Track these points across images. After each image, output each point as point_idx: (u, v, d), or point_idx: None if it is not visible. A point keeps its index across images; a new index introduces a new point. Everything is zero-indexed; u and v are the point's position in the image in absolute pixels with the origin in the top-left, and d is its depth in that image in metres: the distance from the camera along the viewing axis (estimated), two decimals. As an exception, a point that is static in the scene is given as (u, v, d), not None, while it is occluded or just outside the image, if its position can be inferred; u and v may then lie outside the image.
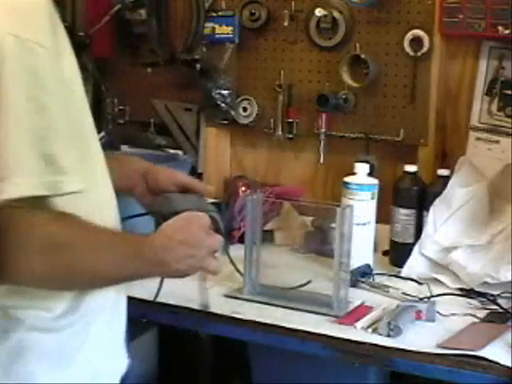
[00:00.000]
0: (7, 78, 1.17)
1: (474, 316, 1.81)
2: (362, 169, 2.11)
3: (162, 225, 1.42)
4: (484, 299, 1.91)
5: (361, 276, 2.01)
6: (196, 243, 1.42)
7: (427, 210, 2.11)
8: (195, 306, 1.85)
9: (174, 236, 1.40)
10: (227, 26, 2.62)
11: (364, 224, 2.07)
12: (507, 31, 2.24)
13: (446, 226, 2.10)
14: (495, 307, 1.87)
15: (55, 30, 1.25)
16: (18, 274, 1.22)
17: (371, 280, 2.02)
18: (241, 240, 2.06)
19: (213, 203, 2.53)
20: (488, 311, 1.85)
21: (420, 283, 2.01)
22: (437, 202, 2.10)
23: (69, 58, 1.31)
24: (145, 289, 1.90)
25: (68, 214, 1.25)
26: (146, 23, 2.67)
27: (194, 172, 2.68)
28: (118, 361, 1.51)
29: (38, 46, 1.19)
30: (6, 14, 1.19)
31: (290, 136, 2.61)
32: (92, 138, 1.37)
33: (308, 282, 1.98)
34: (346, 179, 2.10)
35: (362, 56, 2.45)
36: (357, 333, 1.72)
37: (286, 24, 2.56)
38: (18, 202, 1.18)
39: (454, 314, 1.82)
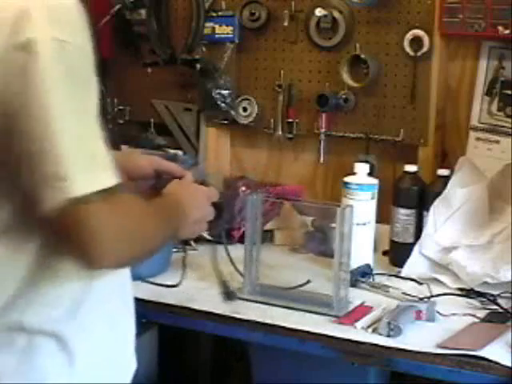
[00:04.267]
0: (51, 79, 1.20)
1: (474, 316, 1.81)
2: (362, 169, 2.11)
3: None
4: (484, 299, 1.91)
5: (361, 276, 2.01)
6: (207, 213, 1.63)
7: (427, 210, 2.11)
8: (195, 305, 1.85)
9: (193, 207, 1.57)
10: (227, 26, 2.62)
11: (364, 224, 2.07)
12: (507, 31, 2.24)
13: (446, 226, 2.10)
14: (495, 307, 1.87)
15: (86, 28, 1.27)
16: (102, 260, 1.26)
17: (371, 280, 2.02)
18: (241, 240, 2.06)
19: (213, 203, 2.54)
20: (488, 311, 1.85)
21: (420, 283, 2.01)
22: (437, 202, 2.10)
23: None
24: (145, 289, 1.90)
25: (120, 197, 1.28)
26: (146, 23, 2.67)
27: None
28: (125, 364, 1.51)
29: (77, 47, 1.22)
30: (45, 17, 1.20)
31: (290, 136, 2.61)
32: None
33: (307, 282, 1.98)
34: (346, 179, 2.10)
35: (362, 56, 2.45)
36: (357, 333, 1.72)
37: (286, 24, 2.56)
38: (80, 198, 1.21)
39: (454, 314, 1.82)
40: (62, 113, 1.21)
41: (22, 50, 1.18)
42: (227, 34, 2.62)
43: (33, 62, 1.18)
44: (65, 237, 1.25)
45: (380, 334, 1.70)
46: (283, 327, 1.76)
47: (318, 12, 2.48)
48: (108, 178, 1.25)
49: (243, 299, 1.90)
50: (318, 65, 2.55)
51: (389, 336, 1.69)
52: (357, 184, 2.08)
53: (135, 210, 1.33)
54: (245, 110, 2.65)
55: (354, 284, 1.96)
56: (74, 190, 1.20)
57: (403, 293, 1.94)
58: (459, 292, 1.97)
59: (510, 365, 1.56)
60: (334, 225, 1.89)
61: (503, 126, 2.35)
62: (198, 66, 2.60)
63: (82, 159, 1.22)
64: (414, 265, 2.07)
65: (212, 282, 1.98)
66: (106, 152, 1.26)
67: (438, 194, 2.11)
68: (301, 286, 1.97)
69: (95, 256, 1.24)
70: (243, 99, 2.65)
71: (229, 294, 1.81)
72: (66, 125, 1.21)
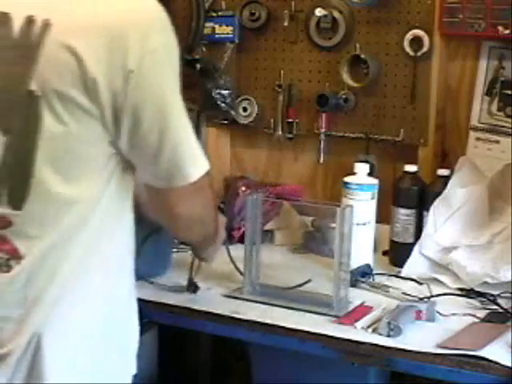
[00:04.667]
0: (169, 80, 1.40)
1: (474, 316, 1.81)
2: (362, 169, 2.11)
3: None
4: (484, 299, 1.91)
5: (361, 276, 2.01)
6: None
7: (427, 210, 2.11)
8: (195, 306, 1.85)
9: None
10: (227, 26, 2.62)
11: (364, 224, 2.07)
12: (507, 31, 2.24)
13: (446, 226, 2.10)
14: (495, 307, 1.87)
15: None
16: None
17: (371, 280, 2.02)
18: (241, 240, 2.06)
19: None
20: (488, 311, 1.85)
21: (420, 283, 2.01)
22: (437, 202, 2.10)
23: None
24: (145, 289, 1.90)
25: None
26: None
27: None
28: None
29: (177, 48, 1.41)
30: (158, 27, 1.38)
31: (290, 136, 2.61)
32: None
33: (307, 281, 1.98)
34: (346, 179, 2.10)
35: (362, 56, 2.45)
36: (357, 333, 1.72)
37: (286, 24, 2.56)
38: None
39: (454, 314, 1.82)
40: (179, 108, 1.42)
41: (150, 55, 1.35)
42: (227, 34, 2.62)
43: (153, 67, 1.35)
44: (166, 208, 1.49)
45: (380, 334, 1.70)
46: (283, 327, 1.76)
47: (318, 12, 2.48)
48: (206, 162, 1.48)
49: (243, 299, 1.90)
50: (317, 65, 2.55)
51: (389, 336, 1.69)
52: (357, 184, 2.08)
53: (206, 179, 1.51)
54: (245, 110, 2.65)
55: (354, 284, 1.96)
56: (194, 174, 1.44)
57: (403, 293, 1.94)
58: (459, 292, 1.97)
59: (509, 365, 1.56)
60: (333, 225, 1.89)
61: (503, 126, 2.35)
62: (198, 65, 2.60)
63: (195, 148, 1.46)
64: (414, 265, 2.07)
65: (212, 283, 1.98)
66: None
67: (438, 194, 2.11)
68: (301, 285, 1.97)
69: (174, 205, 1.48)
70: (243, 99, 2.65)
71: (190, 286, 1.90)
72: (182, 119, 1.43)
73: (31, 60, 1.33)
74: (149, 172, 1.45)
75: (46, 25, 1.33)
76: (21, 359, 1.39)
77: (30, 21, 1.35)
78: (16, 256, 1.39)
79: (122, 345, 1.52)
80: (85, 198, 1.39)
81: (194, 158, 1.45)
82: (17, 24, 1.36)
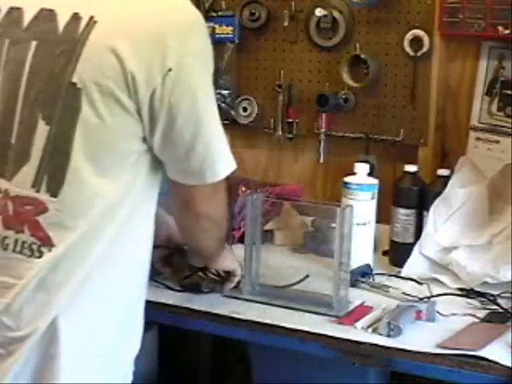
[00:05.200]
0: (202, 83, 1.47)
1: (474, 316, 1.81)
2: (362, 169, 2.11)
3: None
4: (484, 299, 1.91)
5: (361, 276, 2.01)
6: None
7: (427, 210, 2.11)
8: (195, 306, 1.85)
9: None
10: (227, 26, 2.62)
11: (364, 224, 2.07)
12: (507, 31, 2.24)
13: (446, 226, 2.10)
14: (495, 307, 1.87)
15: None
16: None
17: (371, 280, 2.02)
18: (241, 240, 2.06)
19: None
20: (488, 311, 1.85)
21: (420, 283, 2.01)
22: (437, 202, 2.10)
23: None
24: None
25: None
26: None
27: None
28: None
29: (211, 50, 1.50)
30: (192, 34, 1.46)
31: (290, 136, 2.61)
32: None
33: (306, 277, 1.97)
34: (346, 179, 2.10)
35: (362, 56, 2.45)
36: (357, 333, 1.72)
37: (285, 24, 2.56)
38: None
39: (454, 314, 1.82)
40: (211, 108, 1.49)
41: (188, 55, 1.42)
42: (227, 34, 2.62)
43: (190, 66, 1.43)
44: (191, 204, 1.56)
45: (380, 334, 1.70)
46: (283, 327, 1.75)
47: (318, 12, 2.48)
48: (234, 162, 1.55)
49: (243, 299, 1.90)
50: (317, 65, 2.55)
51: (389, 336, 1.69)
52: (357, 184, 2.08)
53: (223, 183, 1.59)
54: (245, 110, 2.65)
55: (354, 284, 1.96)
56: (223, 172, 1.52)
57: (403, 293, 1.94)
58: (459, 292, 1.97)
59: (509, 365, 1.56)
60: (333, 225, 1.88)
61: (503, 126, 2.35)
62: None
63: (226, 146, 1.53)
64: (414, 265, 2.07)
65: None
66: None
67: (438, 194, 2.11)
68: (299, 281, 1.96)
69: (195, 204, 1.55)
70: (243, 99, 2.65)
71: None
72: (215, 119, 1.50)
73: (75, 54, 1.40)
74: (179, 169, 1.51)
75: (91, 22, 1.41)
76: (38, 342, 1.42)
77: (75, 17, 1.42)
78: (48, 243, 1.43)
79: (127, 341, 1.55)
80: (114, 190, 1.44)
81: (224, 156, 1.53)
82: (62, 20, 1.44)
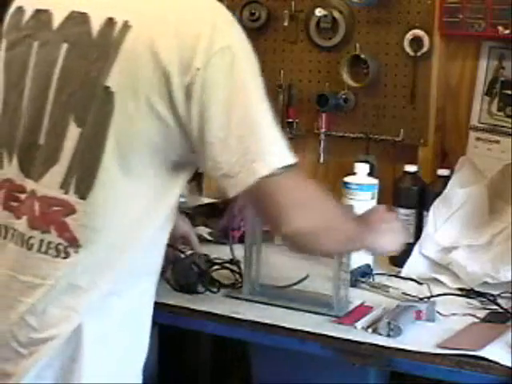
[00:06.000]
0: (248, 75, 1.44)
1: (474, 316, 1.81)
2: (362, 169, 2.11)
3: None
4: (484, 299, 1.91)
5: (361, 276, 2.01)
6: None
7: (427, 210, 2.11)
8: (195, 306, 1.85)
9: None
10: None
11: (364, 224, 2.07)
12: (507, 31, 2.24)
13: (446, 225, 2.10)
14: (495, 307, 1.87)
15: None
16: (297, 230, 1.47)
17: (371, 280, 2.02)
18: (241, 240, 2.06)
19: (213, 203, 2.55)
20: (488, 311, 1.85)
21: (420, 283, 2.01)
22: (437, 202, 2.10)
23: None
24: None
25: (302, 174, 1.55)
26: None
27: (195, 172, 2.67)
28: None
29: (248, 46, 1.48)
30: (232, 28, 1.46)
31: (290, 136, 2.60)
32: None
33: (306, 277, 1.98)
34: (346, 179, 2.10)
35: (362, 56, 2.45)
36: (357, 333, 1.72)
37: (285, 24, 2.56)
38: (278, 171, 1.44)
39: (454, 314, 1.82)
40: (258, 102, 1.45)
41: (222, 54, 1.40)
42: (227, 34, 2.61)
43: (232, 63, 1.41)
44: (259, 205, 1.50)
45: (380, 334, 1.70)
46: (283, 327, 1.76)
47: (318, 12, 2.48)
48: (291, 156, 1.47)
49: (243, 299, 1.90)
50: (317, 65, 2.55)
51: (389, 336, 1.69)
52: (357, 184, 2.08)
53: (315, 188, 1.55)
54: (245, 110, 2.64)
55: (354, 284, 1.96)
56: (271, 165, 1.41)
57: (403, 293, 1.94)
58: (459, 292, 1.97)
59: (509, 365, 1.56)
60: (334, 225, 1.88)
61: (503, 126, 2.35)
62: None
63: (275, 139, 1.45)
64: (414, 265, 2.07)
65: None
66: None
67: (438, 194, 2.11)
68: (299, 281, 1.96)
69: (281, 222, 1.46)
70: (243, 99, 2.64)
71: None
72: (262, 112, 1.45)
73: (110, 58, 1.41)
74: (222, 171, 1.44)
75: (126, 26, 1.41)
76: (62, 347, 1.43)
77: (110, 22, 1.43)
78: (75, 244, 1.43)
79: (138, 353, 1.56)
80: (143, 195, 1.44)
81: (273, 149, 1.45)
82: (96, 24, 1.44)
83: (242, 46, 1.46)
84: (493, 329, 1.73)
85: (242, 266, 1.97)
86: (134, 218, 1.44)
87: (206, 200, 2.61)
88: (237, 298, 1.91)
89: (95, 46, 1.44)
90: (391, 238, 1.74)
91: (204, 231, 2.32)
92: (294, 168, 1.46)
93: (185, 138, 1.43)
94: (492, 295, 1.91)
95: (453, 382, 1.61)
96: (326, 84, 2.53)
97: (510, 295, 1.90)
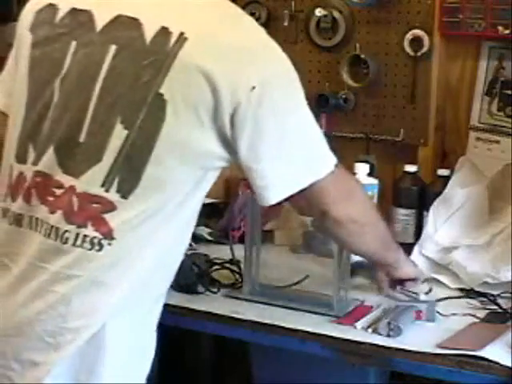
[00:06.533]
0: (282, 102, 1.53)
1: (474, 316, 1.82)
2: (362, 169, 2.11)
3: None
4: (484, 299, 1.91)
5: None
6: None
7: (427, 210, 2.11)
8: (195, 306, 1.85)
9: None
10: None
11: (364, 224, 2.07)
12: (507, 31, 2.24)
13: (446, 225, 2.10)
14: (495, 307, 1.87)
15: None
16: (348, 216, 1.61)
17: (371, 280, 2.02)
18: (241, 240, 2.06)
19: (213, 203, 2.54)
20: (488, 311, 1.85)
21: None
22: (437, 202, 2.10)
23: None
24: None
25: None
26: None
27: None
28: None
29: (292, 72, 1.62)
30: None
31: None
32: None
33: (306, 277, 1.98)
34: (346, 179, 2.10)
35: (362, 56, 2.45)
36: (357, 333, 1.72)
37: (285, 24, 2.55)
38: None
39: (454, 314, 1.82)
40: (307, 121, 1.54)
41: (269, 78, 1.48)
42: (227, 34, 2.61)
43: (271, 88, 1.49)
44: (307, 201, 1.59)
45: (380, 334, 1.70)
46: (283, 327, 1.76)
47: (318, 12, 2.48)
48: (332, 157, 1.56)
49: (243, 299, 1.90)
50: (317, 65, 2.55)
51: (389, 336, 1.69)
52: (357, 184, 2.08)
53: (357, 183, 1.73)
54: (245, 110, 2.64)
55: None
56: (316, 174, 1.53)
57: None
58: (459, 292, 1.97)
59: (509, 365, 1.56)
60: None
61: (503, 126, 2.35)
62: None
63: (320, 147, 1.55)
64: (414, 265, 2.07)
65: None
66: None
67: (438, 194, 2.11)
68: (299, 281, 1.96)
69: (331, 208, 1.58)
70: (243, 99, 2.64)
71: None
72: (309, 127, 1.54)
73: (164, 67, 1.44)
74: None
75: (182, 38, 1.44)
76: (86, 342, 1.45)
77: (165, 31, 1.45)
78: (109, 237, 1.46)
79: (144, 360, 1.61)
80: (176, 200, 1.48)
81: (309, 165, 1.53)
82: (149, 31, 1.46)
83: (292, 67, 1.59)
84: (493, 329, 1.73)
85: (242, 266, 1.97)
86: (165, 220, 1.48)
87: (206, 200, 2.61)
88: (237, 298, 1.91)
89: (149, 53, 1.46)
90: (414, 271, 1.88)
91: (204, 231, 2.32)
92: (336, 165, 1.57)
93: (229, 152, 1.49)
94: (492, 295, 1.92)
95: (453, 382, 1.61)
96: (325, 84, 2.53)
97: (510, 295, 1.90)
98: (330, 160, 1.56)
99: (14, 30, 1.67)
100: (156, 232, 1.48)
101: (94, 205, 1.46)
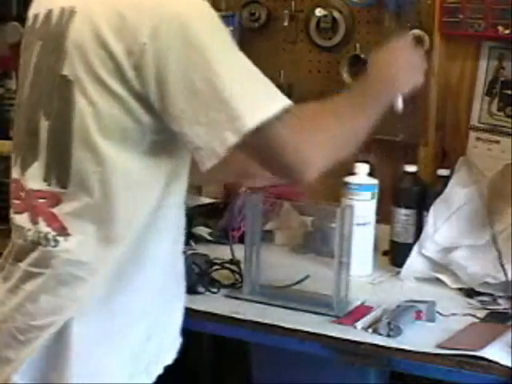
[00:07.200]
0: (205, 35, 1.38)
1: (474, 316, 1.82)
2: (362, 169, 2.11)
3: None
4: (484, 299, 1.91)
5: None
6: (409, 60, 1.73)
7: (427, 210, 2.11)
8: (195, 306, 1.85)
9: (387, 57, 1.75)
10: (227, 26, 2.60)
11: (364, 224, 2.07)
12: (507, 31, 2.24)
13: (446, 225, 2.10)
14: (495, 307, 1.87)
15: None
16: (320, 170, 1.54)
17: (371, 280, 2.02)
18: (241, 240, 2.06)
19: (213, 203, 2.55)
20: (488, 311, 1.85)
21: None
22: (437, 202, 2.10)
23: None
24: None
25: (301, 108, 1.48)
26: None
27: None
28: None
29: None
30: None
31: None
32: None
33: (306, 277, 1.98)
34: (346, 179, 2.10)
35: (362, 56, 2.45)
36: (357, 333, 1.72)
37: (285, 24, 2.56)
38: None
39: (454, 314, 1.82)
40: (221, 60, 1.37)
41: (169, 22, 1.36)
42: (227, 34, 2.61)
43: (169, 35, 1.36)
44: (263, 159, 1.47)
45: (380, 334, 1.70)
46: (283, 327, 1.76)
47: (318, 12, 2.48)
48: (282, 101, 1.42)
49: (243, 299, 1.90)
50: (317, 65, 2.55)
51: (389, 336, 1.69)
52: (357, 184, 2.08)
53: (321, 115, 1.51)
54: (245, 110, 2.64)
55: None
56: (241, 130, 1.36)
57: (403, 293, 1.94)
58: (459, 292, 1.97)
59: (509, 365, 1.56)
60: (333, 225, 1.89)
61: (503, 126, 2.35)
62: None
63: (244, 96, 1.38)
64: (413, 265, 2.07)
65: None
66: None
67: (438, 194, 2.11)
68: (299, 281, 1.96)
69: (299, 170, 1.47)
70: (243, 99, 2.64)
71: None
72: (226, 70, 1.37)
73: (62, 47, 1.43)
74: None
75: (72, 12, 1.43)
76: (52, 338, 1.45)
77: (62, 11, 1.45)
78: (63, 233, 1.46)
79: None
80: (122, 177, 1.43)
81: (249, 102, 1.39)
82: (55, 16, 1.47)
83: (192, 7, 1.40)
84: (493, 329, 1.73)
85: (242, 266, 1.97)
86: (118, 202, 1.44)
87: (206, 200, 2.62)
88: (237, 298, 1.91)
89: (52, 38, 1.47)
90: (408, 74, 1.75)
91: (204, 231, 2.32)
92: (281, 111, 1.40)
93: (151, 115, 1.41)
94: (492, 295, 1.92)
95: (453, 382, 1.61)
96: (326, 84, 2.53)
97: (510, 295, 1.90)
98: (262, 111, 1.38)
99: (13, 30, 1.68)
100: (114, 222, 1.45)
101: (41, 200, 1.48)
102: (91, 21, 1.41)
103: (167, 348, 1.61)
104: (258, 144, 1.41)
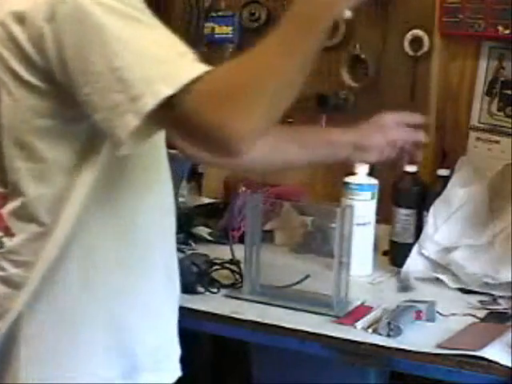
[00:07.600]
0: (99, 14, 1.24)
1: (474, 316, 1.81)
2: (362, 169, 2.11)
3: None
4: (484, 299, 1.91)
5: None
6: None
7: (427, 210, 2.11)
8: (195, 306, 1.85)
9: None
10: (227, 26, 2.62)
11: (364, 224, 2.07)
12: (507, 31, 2.24)
13: (446, 226, 2.10)
14: (495, 307, 1.87)
15: None
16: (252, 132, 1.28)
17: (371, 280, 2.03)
18: (241, 240, 2.06)
19: (213, 203, 2.55)
20: (488, 311, 1.85)
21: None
22: (437, 202, 2.10)
23: None
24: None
25: (216, 70, 1.28)
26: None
27: (195, 172, 2.68)
28: None
29: None
30: None
31: (290, 136, 2.60)
32: None
33: (306, 277, 1.98)
34: (346, 179, 2.10)
35: (362, 56, 2.45)
36: (357, 333, 1.72)
37: (285, 24, 2.55)
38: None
39: (454, 314, 1.82)
40: (119, 38, 1.23)
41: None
42: (227, 34, 2.62)
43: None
44: (187, 135, 1.29)
45: (380, 334, 1.70)
46: (283, 327, 1.76)
47: (318, 12, 2.48)
48: (190, 71, 1.23)
49: (243, 299, 1.90)
50: (317, 65, 2.55)
51: (389, 336, 1.69)
52: (357, 184, 2.08)
53: (240, 73, 1.32)
54: (245, 110, 2.64)
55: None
56: (139, 111, 1.21)
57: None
58: (459, 292, 1.97)
59: (509, 365, 1.56)
60: (333, 225, 1.89)
61: (503, 126, 2.35)
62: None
63: (144, 73, 1.22)
64: (413, 265, 2.07)
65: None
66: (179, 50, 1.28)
67: (438, 194, 2.11)
68: (299, 281, 1.96)
69: (226, 138, 1.24)
70: (243, 99, 2.64)
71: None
72: (124, 49, 1.23)
73: None
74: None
75: None
76: (6, 337, 1.42)
77: None
78: (9, 233, 1.43)
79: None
80: (55, 172, 1.38)
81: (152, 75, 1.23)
82: None
83: None
84: (493, 329, 1.73)
85: (242, 266, 1.97)
86: (56, 198, 1.39)
87: (206, 200, 2.62)
88: (237, 298, 1.91)
89: None
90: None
91: (204, 231, 2.32)
92: (189, 83, 1.22)
93: (68, 103, 1.33)
94: (492, 295, 1.92)
95: (453, 382, 1.61)
96: (325, 84, 2.53)
97: (509, 295, 1.90)
98: (162, 89, 1.21)
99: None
100: (56, 218, 1.40)
101: None
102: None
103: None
104: (173, 123, 1.26)
